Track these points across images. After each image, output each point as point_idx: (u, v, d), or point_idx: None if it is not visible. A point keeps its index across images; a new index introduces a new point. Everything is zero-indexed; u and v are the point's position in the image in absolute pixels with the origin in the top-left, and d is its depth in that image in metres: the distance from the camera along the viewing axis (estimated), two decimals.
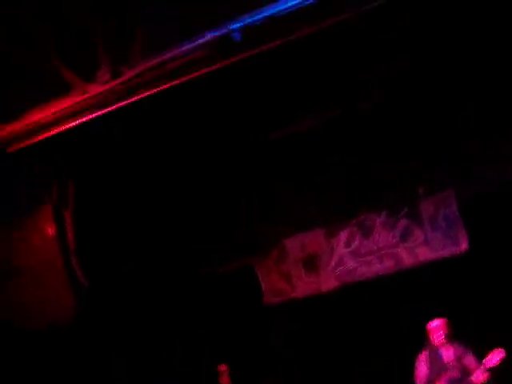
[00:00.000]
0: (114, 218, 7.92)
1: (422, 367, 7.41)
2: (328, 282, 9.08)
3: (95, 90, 6.05)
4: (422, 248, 8.70)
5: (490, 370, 6.94)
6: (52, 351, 7.43)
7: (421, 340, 7.82)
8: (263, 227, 9.24)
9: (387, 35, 6.78)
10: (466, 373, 7.16)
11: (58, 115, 6.24)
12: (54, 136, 6.41)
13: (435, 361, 7.32)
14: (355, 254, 8.98)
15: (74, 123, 6.28)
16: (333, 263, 9.08)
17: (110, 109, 6.14)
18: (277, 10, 5.19)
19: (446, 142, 8.55)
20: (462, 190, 8.63)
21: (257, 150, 8.77)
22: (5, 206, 6.93)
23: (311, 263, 9.17)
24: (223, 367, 7.61)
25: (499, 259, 8.20)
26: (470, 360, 7.21)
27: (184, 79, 5.75)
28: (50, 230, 6.91)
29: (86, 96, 6.08)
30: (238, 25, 5.36)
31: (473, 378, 6.97)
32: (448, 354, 7.28)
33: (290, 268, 9.26)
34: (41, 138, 6.46)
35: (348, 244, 9.05)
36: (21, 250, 6.98)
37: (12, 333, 6.99)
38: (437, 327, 7.36)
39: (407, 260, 8.75)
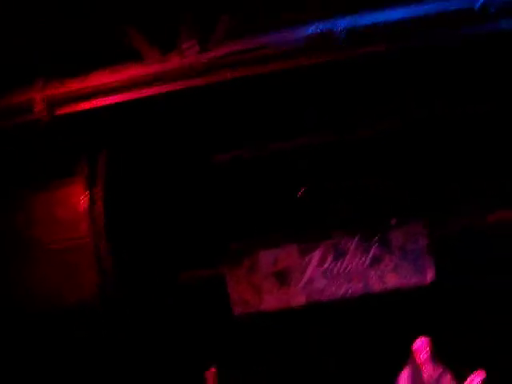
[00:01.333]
0: (142, 201, 7.73)
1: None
2: (297, 298, 9.32)
3: (173, 61, 6.00)
4: (391, 275, 9.19)
5: None
6: (73, 334, 7.02)
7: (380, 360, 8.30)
8: (238, 237, 9.32)
9: None
10: None
11: (124, 82, 6.11)
12: (109, 105, 6.23)
13: (416, 379, 7.66)
14: (326, 274, 9.31)
15: (136, 94, 6.16)
16: (304, 280, 9.34)
17: (178, 86, 6.10)
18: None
19: (423, 179, 9.17)
20: (433, 224, 9.25)
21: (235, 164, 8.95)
22: (34, 175, 6.58)
23: (282, 278, 9.37)
24: (211, 371, 7.51)
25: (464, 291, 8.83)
26: (447, 380, 7.62)
27: (273, 68, 5.83)
28: (82, 206, 6.63)
29: (161, 65, 6.00)
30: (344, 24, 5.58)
31: None
32: (429, 372, 7.64)
33: (260, 280, 9.40)
34: (96, 103, 6.25)
35: (320, 263, 9.37)
36: (46, 223, 6.61)
37: (31, 313, 6.54)
38: (422, 345, 7.69)
39: (376, 285, 9.20)
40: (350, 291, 9.25)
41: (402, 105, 8.26)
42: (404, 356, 7.87)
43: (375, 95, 7.70)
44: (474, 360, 7.76)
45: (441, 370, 7.62)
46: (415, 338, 7.83)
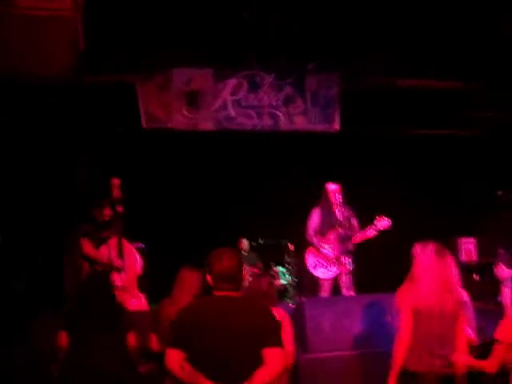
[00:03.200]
0: None
1: (315, 219, 8.04)
2: (206, 123, 9.08)
3: None
4: (300, 117, 9.32)
5: (379, 231, 7.86)
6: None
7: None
8: (154, 49, 8.69)
9: None
10: (351, 231, 8.03)
11: None
12: None
13: (328, 216, 8.01)
14: (238, 104, 9.16)
15: None
16: (215, 106, 9.10)
17: None
18: None
19: (346, 31, 9.19)
20: (346, 77, 9.44)
21: None
22: None
23: (193, 100, 9.03)
24: (116, 181, 7.09)
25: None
26: (355, 222, 8.11)
27: None
28: None
29: None
30: None
31: (368, 232, 7.82)
32: (340, 213, 8.01)
33: (171, 99, 8.97)
34: None
35: (234, 93, 9.18)
36: None
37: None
38: (336, 189, 7.99)
39: (284, 124, 9.28)
40: (259, 125, 9.23)
41: None
42: (316, 195, 8.11)
43: None
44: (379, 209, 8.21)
45: (350, 212, 8.02)
46: (321, 181, 8.11)
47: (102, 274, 6.01)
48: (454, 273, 4.40)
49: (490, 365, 4.14)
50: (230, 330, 3.61)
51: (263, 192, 9.38)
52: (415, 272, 4.42)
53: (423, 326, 4.29)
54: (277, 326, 3.76)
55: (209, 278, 3.82)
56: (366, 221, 7.98)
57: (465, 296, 4.75)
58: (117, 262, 6.95)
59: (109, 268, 6.81)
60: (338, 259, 7.77)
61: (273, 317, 3.80)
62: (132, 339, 4.98)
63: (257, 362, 3.61)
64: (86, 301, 5.05)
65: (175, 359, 3.64)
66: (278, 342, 3.66)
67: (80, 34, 5.97)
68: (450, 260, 4.42)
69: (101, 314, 4.93)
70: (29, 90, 6.86)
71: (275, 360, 3.62)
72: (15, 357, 5.88)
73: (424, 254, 4.41)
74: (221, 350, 3.58)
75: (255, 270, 9.43)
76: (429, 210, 9.51)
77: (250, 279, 8.20)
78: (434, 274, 4.33)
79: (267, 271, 9.60)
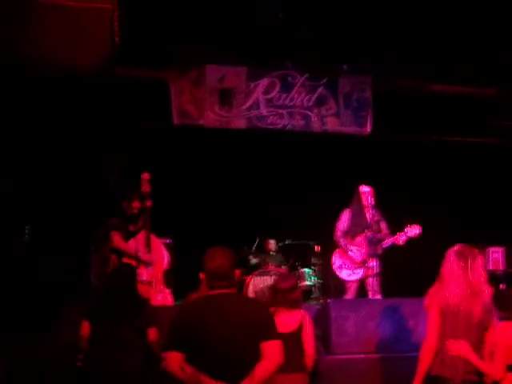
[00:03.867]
0: None
1: (344, 220, 8.00)
2: (238, 121, 9.10)
3: None
4: (332, 119, 9.29)
5: (409, 238, 7.80)
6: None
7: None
8: (189, 44, 8.73)
9: None
10: (381, 234, 7.97)
11: None
12: None
13: (359, 218, 7.97)
14: (270, 103, 9.16)
15: None
16: (247, 104, 9.12)
17: None
18: None
19: (382, 36, 9.14)
20: (379, 80, 9.40)
21: None
22: None
23: (226, 97, 9.04)
24: (146, 176, 7.10)
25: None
26: (384, 225, 8.05)
27: None
28: None
29: None
30: None
31: (398, 238, 7.78)
32: (369, 216, 7.98)
33: (204, 95, 8.99)
34: None
35: (266, 92, 9.18)
36: None
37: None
38: (369, 191, 7.97)
39: (316, 125, 9.25)
40: (291, 124, 9.21)
41: None
42: (344, 197, 8.07)
43: None
44: (408, 214, 8.15)
45: (380, 216, 7.97)
46: (350, 183, 8.08)
47: (128, 266, 6.02)
48: (482, 277, 4.32)
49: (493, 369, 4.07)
50: (226, 326, 3.62)
51: (292, 192, 9.36)
52: (443, 273, 4.37)
53: (449, 327, 4.23)
54: (272, 320, 3.79)
55: (203, 276, 3.87)
56: (394, 225, 7.94)
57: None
58: (144, 256, 6.98)
59: (136, 262, 6.83)
60: (364, 262, 7.73)
61: (268, 312, 3.87)
62: (153, 334, 4.99)
63: (256, 356, 3.62)
64: (109, 292, 5.08)
65: (175, 361, 3.64)
66: (274, 335, 3.69)
67: (116, 26, 6.00)
68: (477, 263, 4.33)
69: (122, 306, 4.95)
70: (63, 81, 6.87)
71: (274, 353, 3.64)
72: (40, 348, 5.93)
73: (450, 255, 4.36)
74: (219, 347, 3.59)
75: (281, 271, 9.41)
76: (457, 218, 9.43)
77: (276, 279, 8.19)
78: (460, 277, 4.26)
79: (293, 272, 9.57)
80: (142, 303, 5.28)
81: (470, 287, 4.22)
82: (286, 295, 4.95)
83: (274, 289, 5.14)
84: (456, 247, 4.37)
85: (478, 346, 4.21)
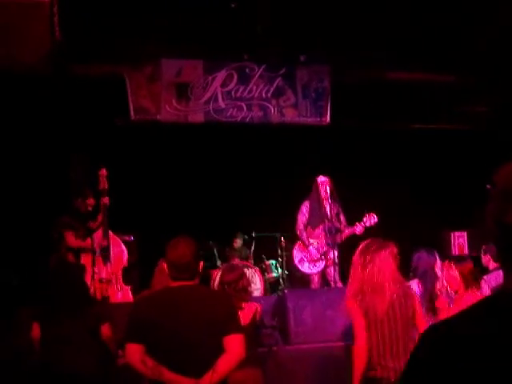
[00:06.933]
0: None
1: (304, 212, 7.98)
2: (196, 115, 9.03)
3: None
4: (291, 110, 9.25)
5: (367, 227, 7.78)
6: None
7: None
8: (143, 39, 8.64)
9: None
10: (339, 225, 7.96)
11: None
12: None
13: (318, 209, 7.95)
14: (228, 96, 9.10)
15: None
16: (205, 98, 9.05)
17: None
18: None
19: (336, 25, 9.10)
20: (337, 70, 9.38)
21: None
22: None
23: (183, 91, 8.98)
24: (103, 172, 7.02)
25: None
26: (342, 217, 8.04)
27: None
28: None
29: None
30: None
31: (355, 229, 7.77)
32: (329, 207, 7.95)
33: (161, 89, 8.91)
34: None
35: (224, 84, 9.12)
36: None
37: None
38: (326, 181, 7.93)
39: (275, 117, 9.22)
40: (250, 117, 9.16)
41: None
42: (306, 188, 8.05)
43: None
44: (369, 203, 8.14)
45: (338, 207, 7.95)
46: (312, 174, 8.06)
47: (69, 265, 5.94)
48: (386, 271, 4.19)
49: None
50: (188, 319, 3.52)
51: (255, 185, 9.32)
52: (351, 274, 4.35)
53: (371, 328, 4.13)
54: (235, 313, 3.70)
55: (165, 266, 3.74)
56: (355, 214, 7.93)
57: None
58: (102, 254, 6.91)
59: (94, 259, 6.77)
60: (324, 254, 7.73)
61: (231, 304, 3.75)
62: (106, 330, 4.93)
63: (218, 349, 3.54)
64: (52, 292, 5.00)
65: (135, 354, 3.55)
66: (237, 329, 3.61)
67: (56, 21, 5.88)
68: (380, 258, 4.21)
69: (68, 305, 4.88)
70: (10, 78, 6.71)
71: (236, 346, 3.56)
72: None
73: (355, 253, 4.32)
74: (180, 340, 3.49)
75: (247, 264, 9.38)
76: (420, 204, 9.46)
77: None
78: (359, 275, 4.19)
79: (259, 265, 9.56)
80: (91, 301, 5.21)
81: (369, 284, 4.14)
82: (232, 287, 4.91)
83: (221, 282, 5.10)
84: (361, 245, 4.31)
85: (404, 338, 4.09)
